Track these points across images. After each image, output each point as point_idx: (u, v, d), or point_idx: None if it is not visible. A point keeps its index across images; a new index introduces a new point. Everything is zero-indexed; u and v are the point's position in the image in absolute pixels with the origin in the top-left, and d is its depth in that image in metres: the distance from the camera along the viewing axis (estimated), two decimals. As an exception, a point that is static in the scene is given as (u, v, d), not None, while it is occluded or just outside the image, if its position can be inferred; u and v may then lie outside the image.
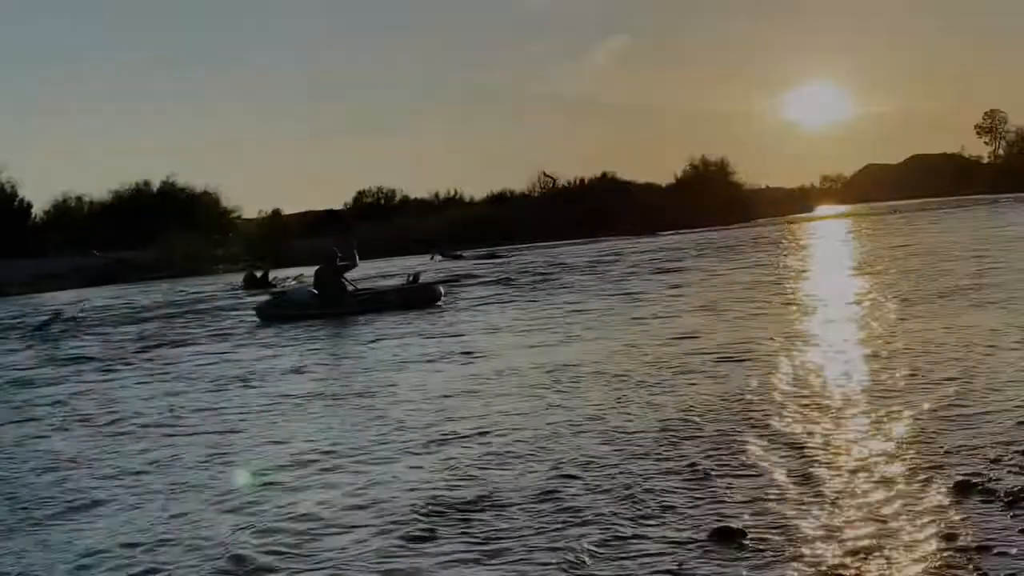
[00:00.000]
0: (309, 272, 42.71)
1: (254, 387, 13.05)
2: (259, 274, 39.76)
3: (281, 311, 22.86)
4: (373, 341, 17.39)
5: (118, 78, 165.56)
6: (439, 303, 23.71)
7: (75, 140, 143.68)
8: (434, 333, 17.94)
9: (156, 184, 77.88)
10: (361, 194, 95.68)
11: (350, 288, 23.19)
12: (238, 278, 41.33)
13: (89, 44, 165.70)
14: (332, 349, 17.38)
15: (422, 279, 26.56)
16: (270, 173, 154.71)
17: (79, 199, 78.32)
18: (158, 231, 61.54)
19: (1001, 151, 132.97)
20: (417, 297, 23.81)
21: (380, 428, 9.56)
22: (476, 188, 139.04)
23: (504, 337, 16.54)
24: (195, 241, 61.92)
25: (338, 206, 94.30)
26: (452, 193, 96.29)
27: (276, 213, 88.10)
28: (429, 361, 14.20)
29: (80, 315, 29.55)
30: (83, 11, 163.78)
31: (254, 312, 23.84)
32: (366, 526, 6.45)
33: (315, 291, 23.00)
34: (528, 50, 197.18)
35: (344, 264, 23.06)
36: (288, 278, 41.82)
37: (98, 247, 59.40)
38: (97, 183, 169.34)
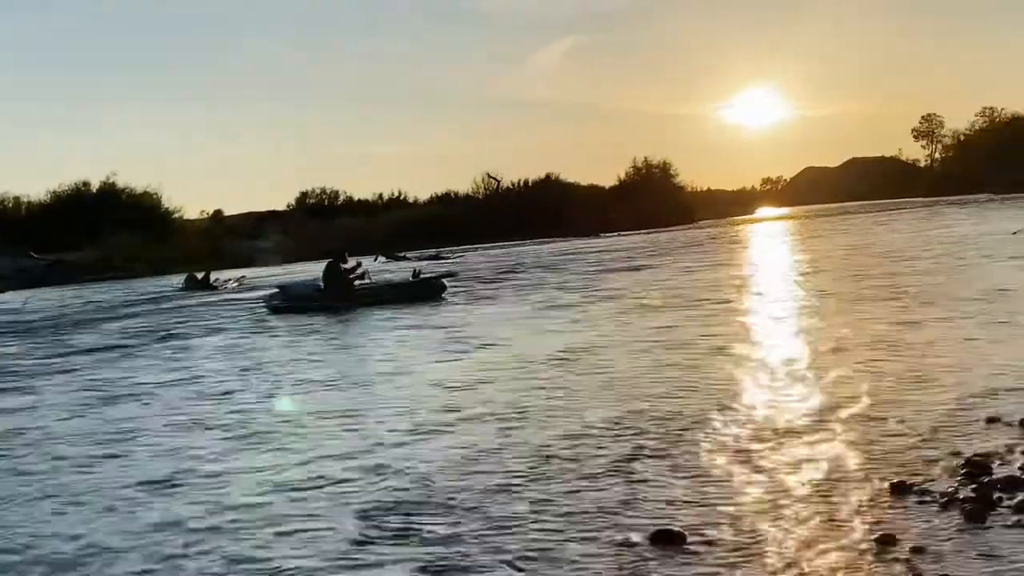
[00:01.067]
0: (251, 273, 42.55)
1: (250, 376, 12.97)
2: (201, 275, 39.32)
3: (289, 304, 23.98)
4: (374, 334, 18.25)
5: (58, 77, 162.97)
6: (443, 297, 24.50)
7: (11, 140, 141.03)
8: (425, 325, 18.50)
9: (96, 184, 76.72)
10: (304, 195, 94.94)
11: (356, 284, 24.02)
12: (180, 279, 40.85)
13: (27, 42, 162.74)
14: (332, 341, 18.19)
15: (415, 277, 26.97)
16: (212, 174, 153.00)
17: (16, 200, 76.93)
18: (99, 232, 60.61)
19: (938, 155, 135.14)
20: (421, 291, 24.64)
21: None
22: (421, 189, 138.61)
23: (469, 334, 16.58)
24: (136, 242, 61.07)
25: (281, 207, 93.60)
26: (396, 194, 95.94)
27: (218, 214, 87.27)
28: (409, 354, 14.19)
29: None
30: (21, 6, 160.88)
31: (263, 303, 25.26)
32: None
33: (320, 284, 24.15)
34: (474, 51, 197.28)
35: (356, 266, 24.18)
36: (230, 279, 41.44)
37: (36, 249, 58.42)
38: (35, 183, 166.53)
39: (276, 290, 25.88)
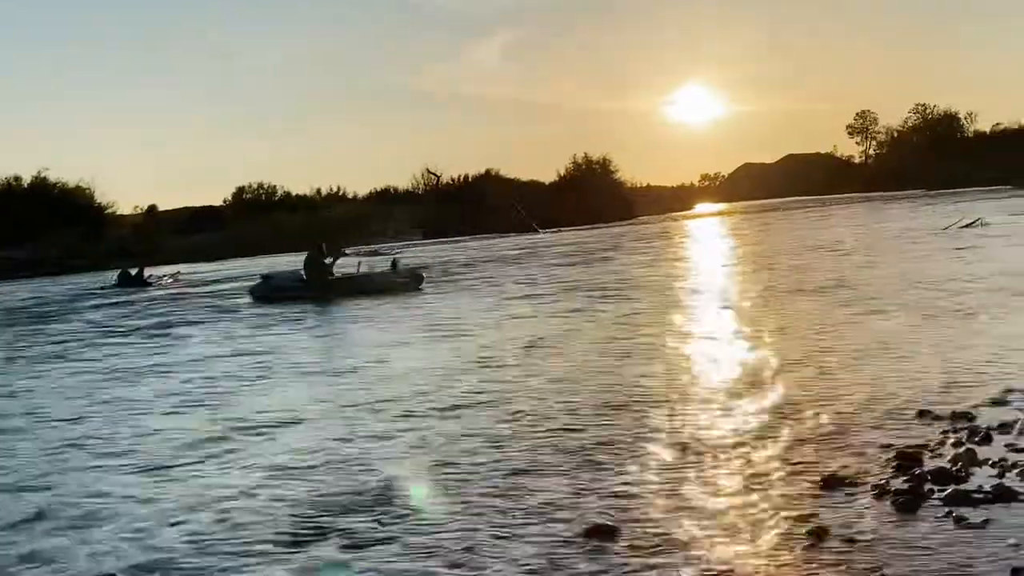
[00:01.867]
0: (186, 268, 42.06)
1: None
2: (134, 271, 38.76)
3: (272, 293, 25.11)
4: (355, 323, 19.08)
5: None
6: (420, 287, 25.25)
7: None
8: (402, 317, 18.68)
9: (27, 179, 75.33)
10: (241, 190, 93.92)
11: (336, 274, 25.31)
12: (112, 275, 40.22)
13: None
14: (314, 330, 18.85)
15: (394, 267, 27.50)
16: (147, 168, 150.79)
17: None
18: (32, 227, 59.58)
19: (872, 151, 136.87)
20: (399, 282, 25.39)
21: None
22: (360, 185, 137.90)
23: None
24: (69, 238, 60.12)
25: (217, 202, 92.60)
26: (335, 190, 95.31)
27: (152, 209, 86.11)
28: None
29: None
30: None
31: (247, 293, 26.40)
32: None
33: (303, 275, 25.13)
34: (413, 46, 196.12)
35: (334, 255, 25.53)
36: (164, 275, 40.91)
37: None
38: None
39: (260, 280, 26.90)
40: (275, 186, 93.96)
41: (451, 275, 31.43)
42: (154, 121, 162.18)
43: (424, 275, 26.67)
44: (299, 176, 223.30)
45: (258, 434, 9.21)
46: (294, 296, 24.30)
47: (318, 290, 24.29)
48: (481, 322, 17.32)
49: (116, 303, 29.05)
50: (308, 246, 26.07)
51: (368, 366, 13.08)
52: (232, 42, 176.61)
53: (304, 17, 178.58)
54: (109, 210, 77.97)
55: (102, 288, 36.94)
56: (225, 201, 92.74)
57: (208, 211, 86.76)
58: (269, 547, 5.95)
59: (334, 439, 8.67)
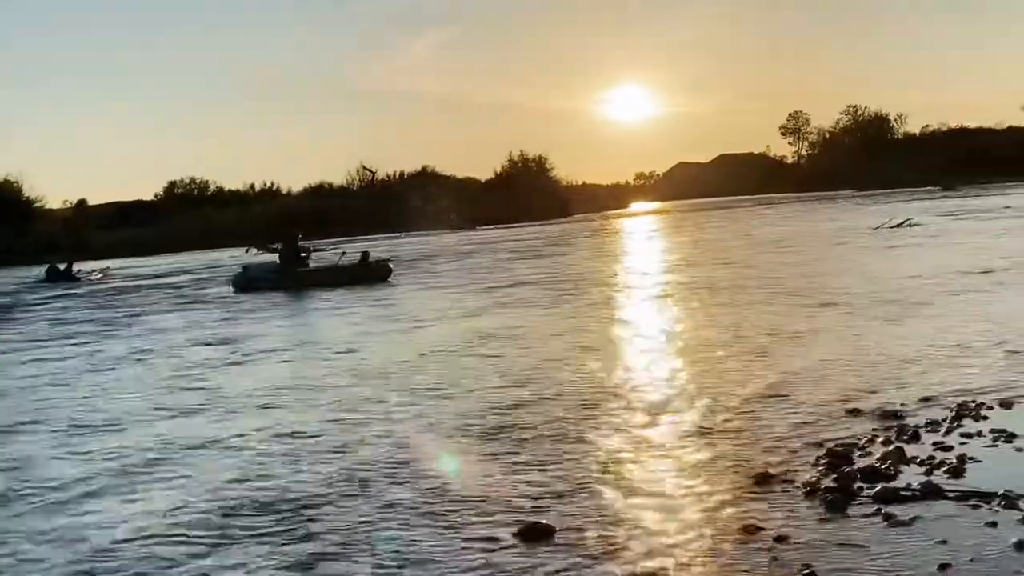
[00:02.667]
0: (116, 264, 41.48)
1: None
2: (62, 266, 38.11)
3: (252, 283, 26.33)
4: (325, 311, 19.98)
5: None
6: (389, 279, 26.52)
7: None
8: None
9: (-49, 172, 73.77)
10: (173, 184, 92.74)
11: (311, 265, 27.33)
12: (41, 270, 39.52)
13: None
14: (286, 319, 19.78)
15: (364, 259, 28.21)
16: (76, 162, 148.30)
17: None
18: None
19: (804, 152, 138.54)
20: (369, 273, 26.61)
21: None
22: (295, 181, 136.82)
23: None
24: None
25: (148, 196, 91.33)
26: (268, 185, 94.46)
27: (82, 203, 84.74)
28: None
29: None
30: None
31: (229, 283, 27.74)
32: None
33: (279, 266, 26.78)
34: (350, 41, 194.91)
35: (305, 247, 27.33)
36: (93, 270, 40.25)
37: None
38: None
39: (241, 270, 28.39)
40: (207, 181, 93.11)
41: (412, 269, 31.87)
42: (84, 114, 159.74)
43: (392, 267, 27.79)
44: (232, 171, 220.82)
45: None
46: (271, 287, 25.63)
47: (293, 280, 25.72)
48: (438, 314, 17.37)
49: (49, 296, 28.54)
50: (285, 237, 27.64)
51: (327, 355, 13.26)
52: (165, 36, 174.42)
53: (239, 11, 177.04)
54: (38, 204, 76.77)
55: (31, 283, 36.29)
56: (156, 196, 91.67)
57: (139, 205, 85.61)
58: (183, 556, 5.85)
59: (268, 434, 8.57)
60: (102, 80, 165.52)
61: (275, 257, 27.95)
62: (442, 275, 28.85)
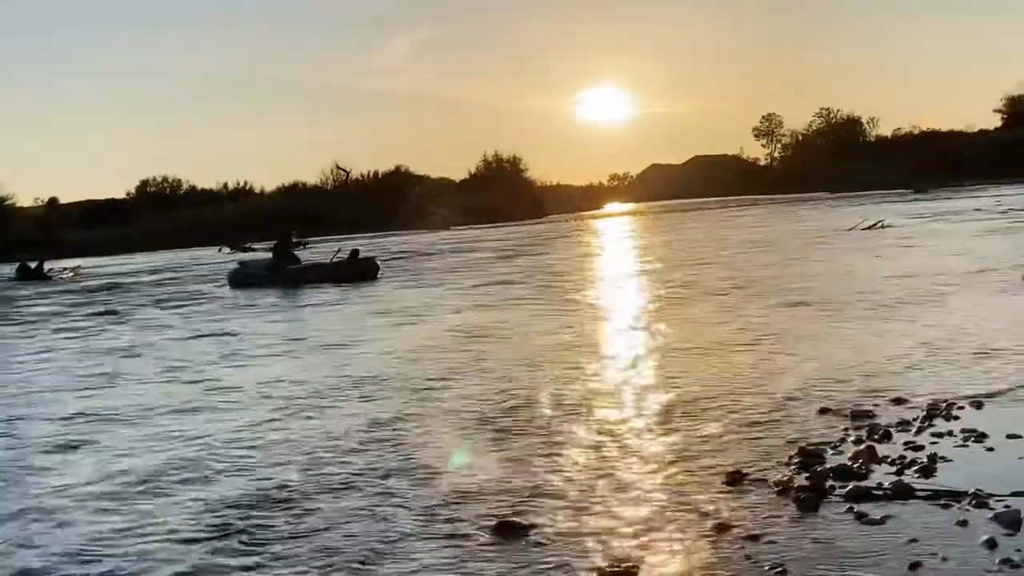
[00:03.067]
0: (88, 263, 41.26)
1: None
2: (33, 265, 37.83)
3: (247, 280, 27.17)
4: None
5: None
6: (377, 277, 27.16)
7: None
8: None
9: (-80, 168, 73.20)
10: (145, 183, 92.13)
11: (302, 262, 28.36)
12: (11, 269, 39.22)
13: None
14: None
15: (353, 257, 28.57)
16: (48, 159, 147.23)
17: None
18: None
19: (778, 154, 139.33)
20: (357, 271, 27.17)
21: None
22: (269, 180, 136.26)
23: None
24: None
25: (120, 195, 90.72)
26: (241, 184, 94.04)
27: (53, 201, 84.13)
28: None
29: None
30: None
31: (226, 279, 28.49)
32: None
33: (273, 262, 27.69)
34: (326, 41, 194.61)
35: (297, 243, 28.82)
36: (65, 269, 39.99)
37: None
38: None
39: (238, 266, 29.14)
40: (180, 180, 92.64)
41: (391, 268, 32.07)
42: (54, 113, 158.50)
43: (380, 265, 28.54)
44: (205, 170, 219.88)
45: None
46: (266, 283, 26.34)
47: (285, 277, 26.46)
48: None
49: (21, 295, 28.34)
50: (279, 234, 28.69)
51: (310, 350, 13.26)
52: (137, 35, 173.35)
53: (212, 10, 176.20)
54: (8, 202, 76.25)
55: (2, 282, 36.03)
56: (128, 194, 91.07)
57: (111, 204, 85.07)
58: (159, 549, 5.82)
59: (238, 429, 8.54)
60: (72, 79, 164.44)
61: (269, 254, 28.79)
62: (424, 274, 29.14)
